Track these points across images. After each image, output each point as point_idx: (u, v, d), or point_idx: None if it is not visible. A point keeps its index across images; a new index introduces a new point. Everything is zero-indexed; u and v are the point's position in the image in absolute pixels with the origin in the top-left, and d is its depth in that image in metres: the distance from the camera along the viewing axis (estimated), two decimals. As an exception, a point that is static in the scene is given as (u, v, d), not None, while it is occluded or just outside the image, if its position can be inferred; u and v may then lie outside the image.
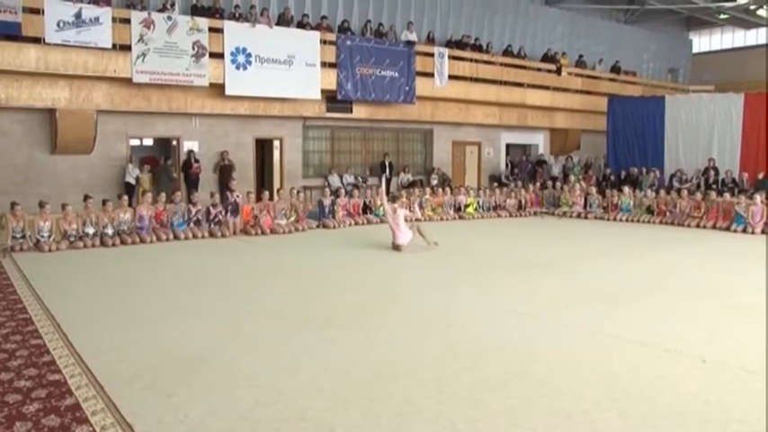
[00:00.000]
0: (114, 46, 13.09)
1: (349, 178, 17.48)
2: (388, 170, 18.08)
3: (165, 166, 15.05)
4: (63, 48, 12.59)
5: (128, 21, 13.23)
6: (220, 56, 14.28)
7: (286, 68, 15.13)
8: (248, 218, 12.52)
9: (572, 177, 18.73)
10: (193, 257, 9.81)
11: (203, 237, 11.81)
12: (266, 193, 13.22)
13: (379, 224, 14.04)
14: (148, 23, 13.38)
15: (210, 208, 12.32)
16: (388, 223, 10.70)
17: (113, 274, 8.45)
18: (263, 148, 17.34)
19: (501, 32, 21.83)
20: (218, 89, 14.50)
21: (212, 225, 12.21)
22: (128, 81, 13.35)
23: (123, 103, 13.78)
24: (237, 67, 14.50)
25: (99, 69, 13.01)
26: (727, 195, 14.45)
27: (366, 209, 14.62)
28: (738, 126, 16.95)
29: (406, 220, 10.87)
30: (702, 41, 30.60)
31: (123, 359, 4.82)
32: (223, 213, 12.40)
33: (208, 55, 14.03)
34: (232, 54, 14.41)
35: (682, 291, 7.39)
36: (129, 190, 13.91)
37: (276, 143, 17.16)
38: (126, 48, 13.21)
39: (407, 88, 17.23)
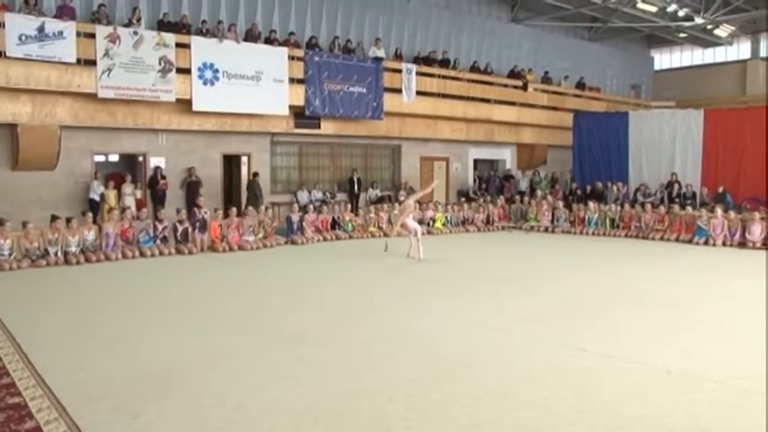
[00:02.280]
0: (78, 61, 12.87)
1: (317, 194, 17.39)
2: (356, 186, 18.10)
3: (254, 182, 15.70)
4: (25, 62, 12.32)
5: (92, 35, 13.03)
6: (187, 71, 14.12)
7: (254, 84, 15.08)
8: (216, 234, 12.40)
9: (539, 192, 18.87)
10: (160, 275, 9.66)
11: (170, 254, 11.65)
12: (234, 209, 13.10)
13: (348, 240, 14.07)
14: (114, 38, 13.23)
15: (177, 224, 12.17)
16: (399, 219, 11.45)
17: (77, 292, 8.27)
18: (231, 164, 17.19)
19: (468, 49, 22.05)
20: (185, 105, 14.31)
21: (179, 242, 12.06)
22: (92, 96, 13.14)
23: (88, 119, 13.56)
24: (205, 83, 14.40)
25: (63, 84, 12.77)
26: (689, 209, 14.69)
27: (335, 224, 14.56)
28: (699, 141, 17.28)
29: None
30: (663, 59, 31.29)
31: (88, 379, 4.70)
32: (190, 230, 12.25)
33: (175, 70, 13.87)
34: (199, 70, 14.32)
35: (647, 303, 7.49)
36: (94, 207, 13.64)
37: (244, 159, 17.02)
38: (90, 62, 13.00)
39: (375, 104, 17.25)
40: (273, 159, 17.42)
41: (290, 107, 15.78)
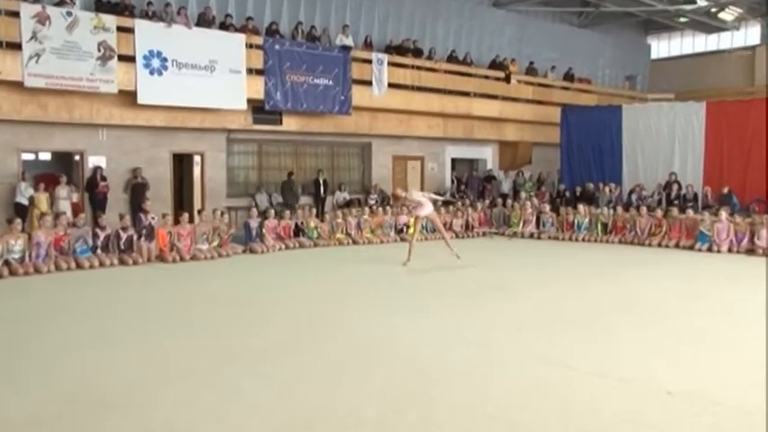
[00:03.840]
0: (0, 43, 12.57)
1: (279, 197, 17.35)
2: (322, 188, 18.08)
3: (289, 182, 15.95)
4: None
5: (16, 14, 12.60)
6: (131, 59, 13.97)
7: (207, 75, 14.96)
8: (165, 243, 12.26)
9: (523, 194, 19.03)
10: (100, 288, 9.50)
11: (112, 265, 11.43)
12: (185, 214, 13.00)
13: (313, 248, 14.04)
14: (43, 18, 12.83)
15: (120, 232, 11.97)
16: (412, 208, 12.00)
17: (2, 309, 8.10)
18: (182, 164, 17.05)
19: (445, 37, 22.18)
20: (128, 97, 14.14)
21: (122, 251, 11.89)
22: (18, 85, 12.78)
23: (13, 112, 13.21)
24: (151, 73, 14.23)
25: (-19, 71, 12.48)
26: (690, 212, 14.82)
27: (298, 231, 14.49)
28: (701, 137, 17.45)
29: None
30: (661, 47, 31.23)
31: (16, 404, 4.59)
32: (135, 238, 12.10)
33: (116, 58, 13.69)
34: (145, 57, 14.14)
35: (643, 316, 7.57)
36: (22, 212, 13.31)
37: (197, 159, 16.90)
38: (15, 46, 12.62)
39: (343, 98, 17.27)
40: (230, 159, 17.35)
41: (248, 101, 15.73)
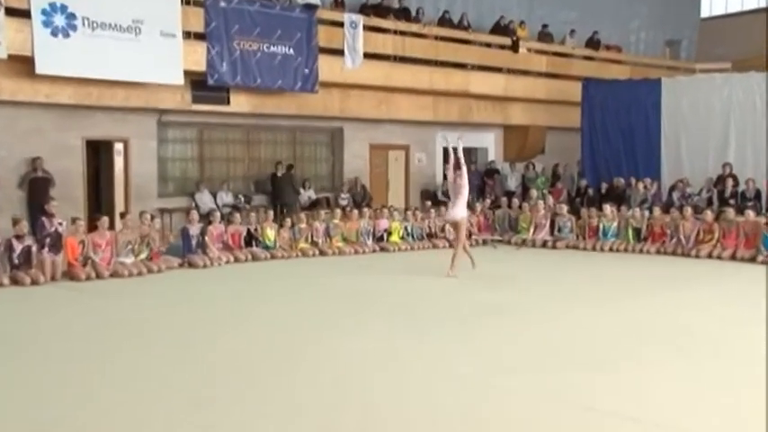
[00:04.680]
0: None
1: (226, 197, 17.26)
2: (280, 184, 17.96)
3: (289, 176, 16.47)
4: None
5: None
6: (26, 14, 13.62)
7: (131, 39, 14.69)
8: (75, 255, 12.02)
9: (534, 192, 18.90)
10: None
11: (2, 285, 11.20)
12: (104, 219, 12.84)
13: (269, 261, 14.03)
14: None
15: (14, 241, 11.69)
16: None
17: None
18: (99, 154, 16.86)
19: (435, -6, 22.28)
20: (24, 65, 13.75)
21: (17, 267, 11.62)
22: None
23: None
24: (54, 34, 13.77)
25: None
26: (750, 213, 14.77)
27: (251, 239, 14.41)
28: (764, 118, 17.48)
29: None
30: (715, 2, 30.25)
31: None
32: (36, 249, 11.84)
33: (4, 12, 13.30)
34: (44, 13, 13.66)
35: (686, 349, 7.48)
36: None
37: (118, 147, 16.71)
38: None
39: (307, 71, 17.15)
40: (162, 148, 17.23)
41: (186, 74, 15.57)
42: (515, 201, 17.93)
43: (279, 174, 17.92)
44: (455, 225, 12.66)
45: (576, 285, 11.50)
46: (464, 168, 12.31)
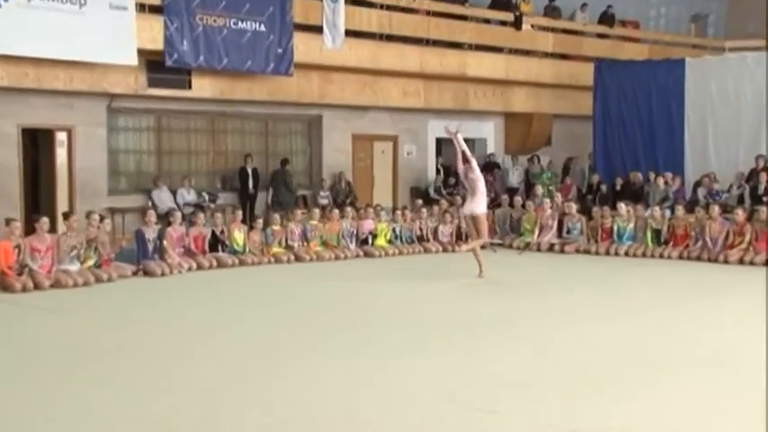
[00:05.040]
0: None
1: (187, 195, 17.23)
2: (251, 181, 18.03)
3: (284, 172, 16.88)
4: None
5: None
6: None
7: (74, 11, 14.53)
8: (9, 262, 11.87)
9: (539, 189, 18.95)
10: None
11: None
12: (44, 220, 12.59)
13: (238, 267, 14.01)
14: None
15: (-64, 246, 11.62)
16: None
17: None
18: (38, 144, 16.81)
19: (427, -36, 22.18)
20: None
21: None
22: None
23: None
24: (-18, 5, 13.83)
25: None
26: (787, 213, 14.87)
27: (216, 243, 14.36)
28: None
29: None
30: None
31: None
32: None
33: None
34: (-34, -23, 13.72)
35: (717, 368, 7.43)
36: None
37: (61, 137, 16.60)
38: None
39: (280, 51, 17.14)
40: (113, 138, 17.20)
41: (140, 52, 15.51)
42: (518, 199, 17.97)
43: (248, 167, 18.03)
44: (474, 220, 12.85)
45: (587, 295, 11.49)
46: (473, 161, 12.74)
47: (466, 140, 22.31)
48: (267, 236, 14.92)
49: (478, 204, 12.69)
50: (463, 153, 12.81)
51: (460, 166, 12.96)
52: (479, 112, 21.80)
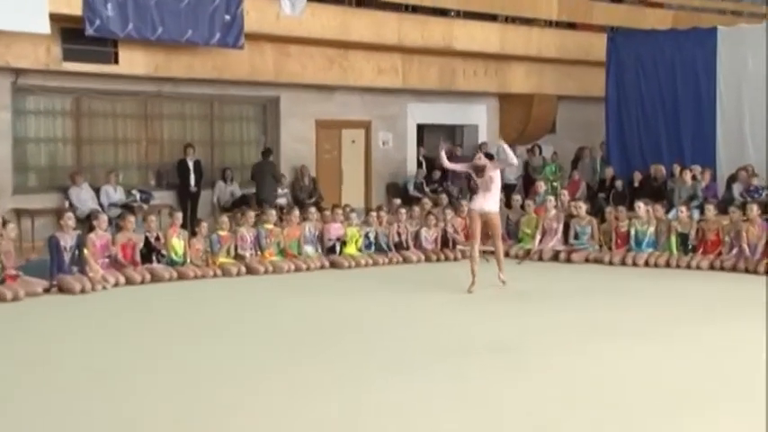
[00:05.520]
0: None
1: (113, 194, 17.22)
2: (192, 177, 18.07)
3: (267, 164, 17.96)
4: None
5: None
6: None
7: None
8: None
9: (542, 185, 19.05)
10: None
11: None
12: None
13: (175, 281, 13.98)
14: None
15: None
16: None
17: None
18: None
19: None
20: None
21: None
22: None
23: None
24: None
25: None
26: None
27: (150, 252, 14.29)
28: None
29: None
30: None
31: None
32: None
33: None
34: None
35: (750, 404, 7.30)
36: None
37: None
38: None
39: (228, 18, 17.06)
40: (20, 123, 17.26)
41: (54, 18, 15.33)
42: (516, 198, 17.92)
43: (189, 160, 18.13)
44: (487, 221, 13.22)
45: (600, 313, 11.44)
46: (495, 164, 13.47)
47: (452, 129, 22.52)
48: (212, 243, 14.86)
49: (491, 201, 13.11)
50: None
51: (486, 164, 13.29)
52: (469, 93, 21.98)
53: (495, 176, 13.00)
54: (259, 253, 15.11)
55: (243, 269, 14.57)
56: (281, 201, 18.42)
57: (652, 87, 19.64)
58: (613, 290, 13.33)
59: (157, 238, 14.40)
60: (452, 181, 20.61)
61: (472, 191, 19.32)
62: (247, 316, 11.53)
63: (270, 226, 15.48)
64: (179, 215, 15.33)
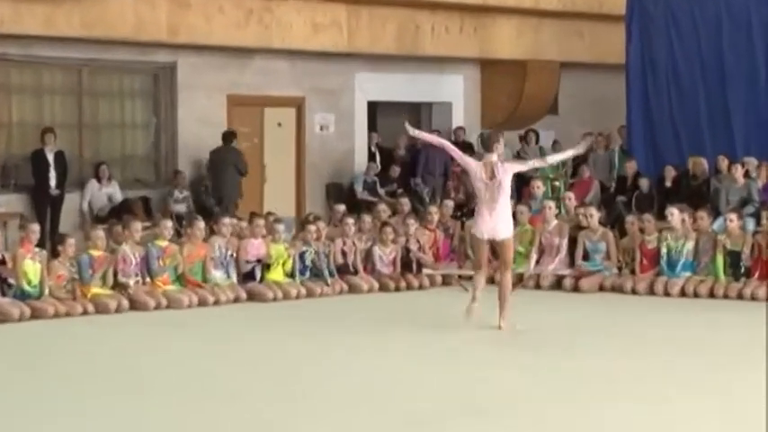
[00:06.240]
0: None
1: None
2: (53, 173, 17.96)
3: (229, 151, 18.94)
4: None
5: None
6: None
7: None
8: None
9: (538, 185, 18.95)
10: None
11: None
12: None
13: (30, 321, 13.77)
14: None
15: None
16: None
17: None
18: None
19: None
20: None
21: None
22: None
23: None
24: None
25: None
26: None
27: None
28: None
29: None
30: None
31: None
32: None
33: None
34: None
35: None
36: None
37: None
38: None
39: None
40: None
41: None
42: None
43: (48, 151, 17.98)
44: (499, 247, 13.16)
45: (618, 362, 11.34)
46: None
47: (416, 107, 22.55)
48: (82, 267, 14.72)
49: (505, 221, 12.91)
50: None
51: (479, 171, 13.01)
52: (439, 59, 22.24)
53: (506, 182, 12.76)
54: (148, 280, 14.97)
55: (125, 303, 14.46)
56: (179, 208, 18.46)
57: (690, 51, 19.73)
58: (637, 330, 13.28)
59: (2, 261, 14.33)
60: (423, 177, 20.76)
61: (447, 193, 19.57)
62: (132, 374, 10.99)
63: (164, 243, 15.41)
64: (34, 228, 15.10)
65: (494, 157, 12.82)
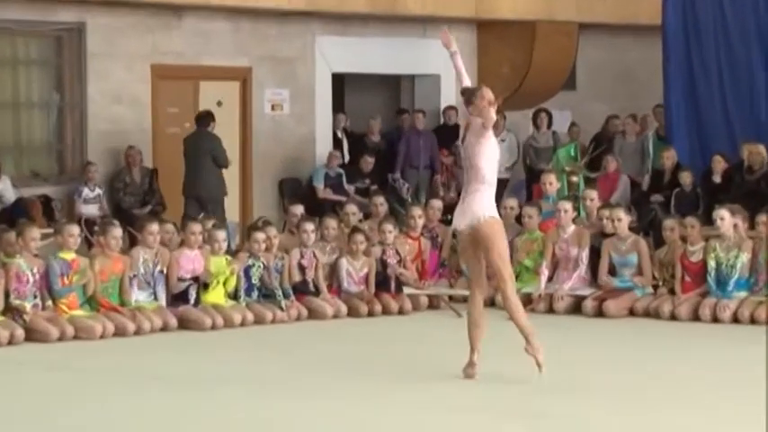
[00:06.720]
0: None
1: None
2: None
3: (204, 137, 19.57)
4: None
5: None
6: None
7: None
8: None
9: (551, 181, 18.85)
10: None
11: None
12: None
13: None
14: None
15: None
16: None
17: None
18: None
19: None
20: None
21: None
22: None
23: None
24: None
25: None
26: None
27: None
28: None
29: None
30: None
31: None
32: None
33: None
34: None
35: None
36: None
37: None
38: None
39: None
40: None
41: None
42: (509, 204, 17.83)
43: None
44: (481, 240, 11.99)
45: (655, 414, 10.82)
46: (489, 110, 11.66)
47: (395, 80, 22.46)
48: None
49: (485, 204, 11.84)
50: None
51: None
52: (423, 19, 22.21)
53: (479, 147, 11.67)
54: (50, 303, 14.83)
55: (19, 333, 14.27)
56: (90, 210, 18.47)
57: (744, 11, 19.76)
58: (678, 365, 13.05)
59: None
60: (403, 171, 20.86)
61: (434, 191, 19.49)
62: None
63: (70, 255, 15.24)
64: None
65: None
